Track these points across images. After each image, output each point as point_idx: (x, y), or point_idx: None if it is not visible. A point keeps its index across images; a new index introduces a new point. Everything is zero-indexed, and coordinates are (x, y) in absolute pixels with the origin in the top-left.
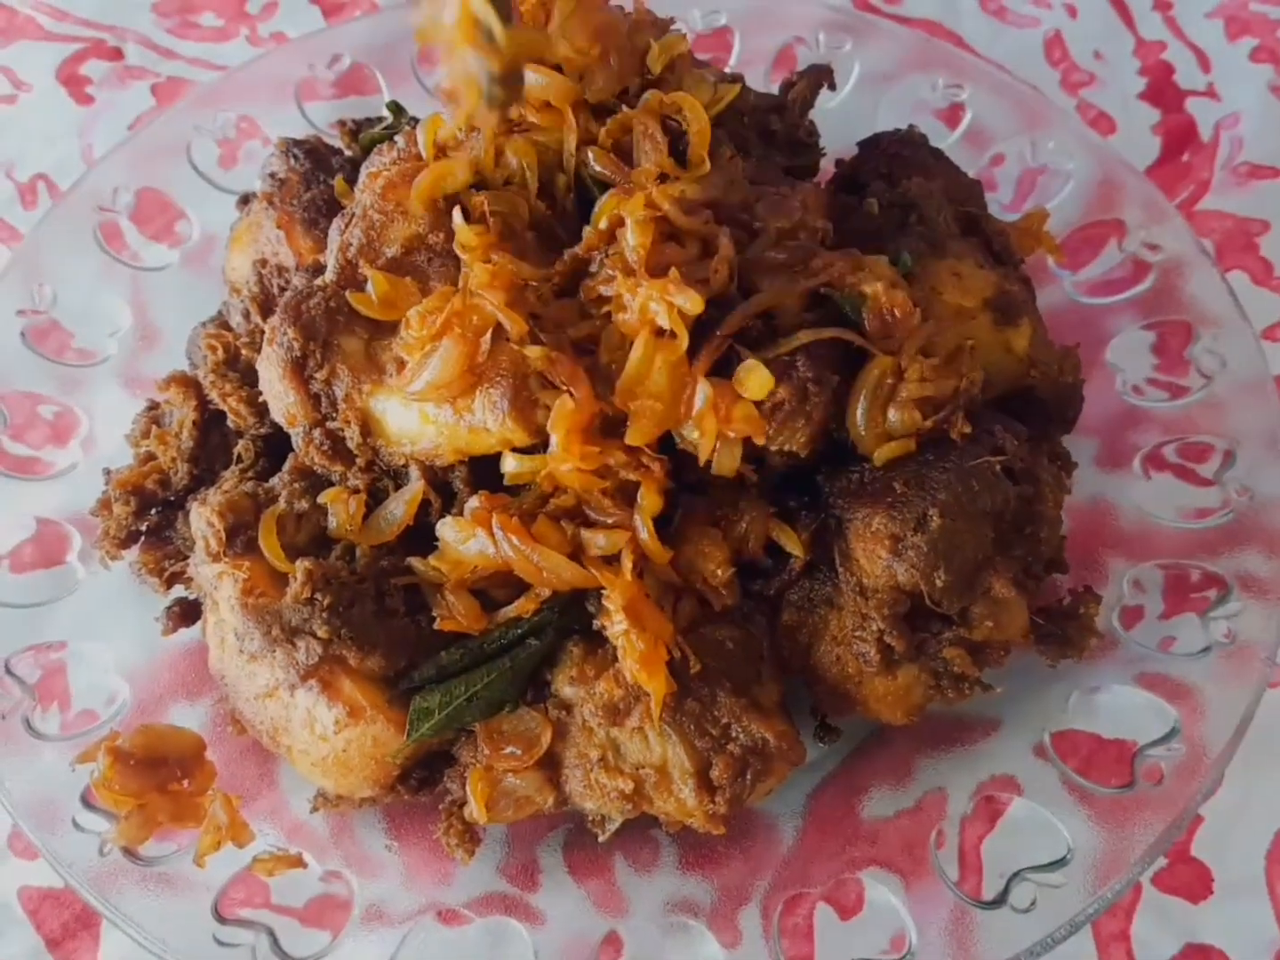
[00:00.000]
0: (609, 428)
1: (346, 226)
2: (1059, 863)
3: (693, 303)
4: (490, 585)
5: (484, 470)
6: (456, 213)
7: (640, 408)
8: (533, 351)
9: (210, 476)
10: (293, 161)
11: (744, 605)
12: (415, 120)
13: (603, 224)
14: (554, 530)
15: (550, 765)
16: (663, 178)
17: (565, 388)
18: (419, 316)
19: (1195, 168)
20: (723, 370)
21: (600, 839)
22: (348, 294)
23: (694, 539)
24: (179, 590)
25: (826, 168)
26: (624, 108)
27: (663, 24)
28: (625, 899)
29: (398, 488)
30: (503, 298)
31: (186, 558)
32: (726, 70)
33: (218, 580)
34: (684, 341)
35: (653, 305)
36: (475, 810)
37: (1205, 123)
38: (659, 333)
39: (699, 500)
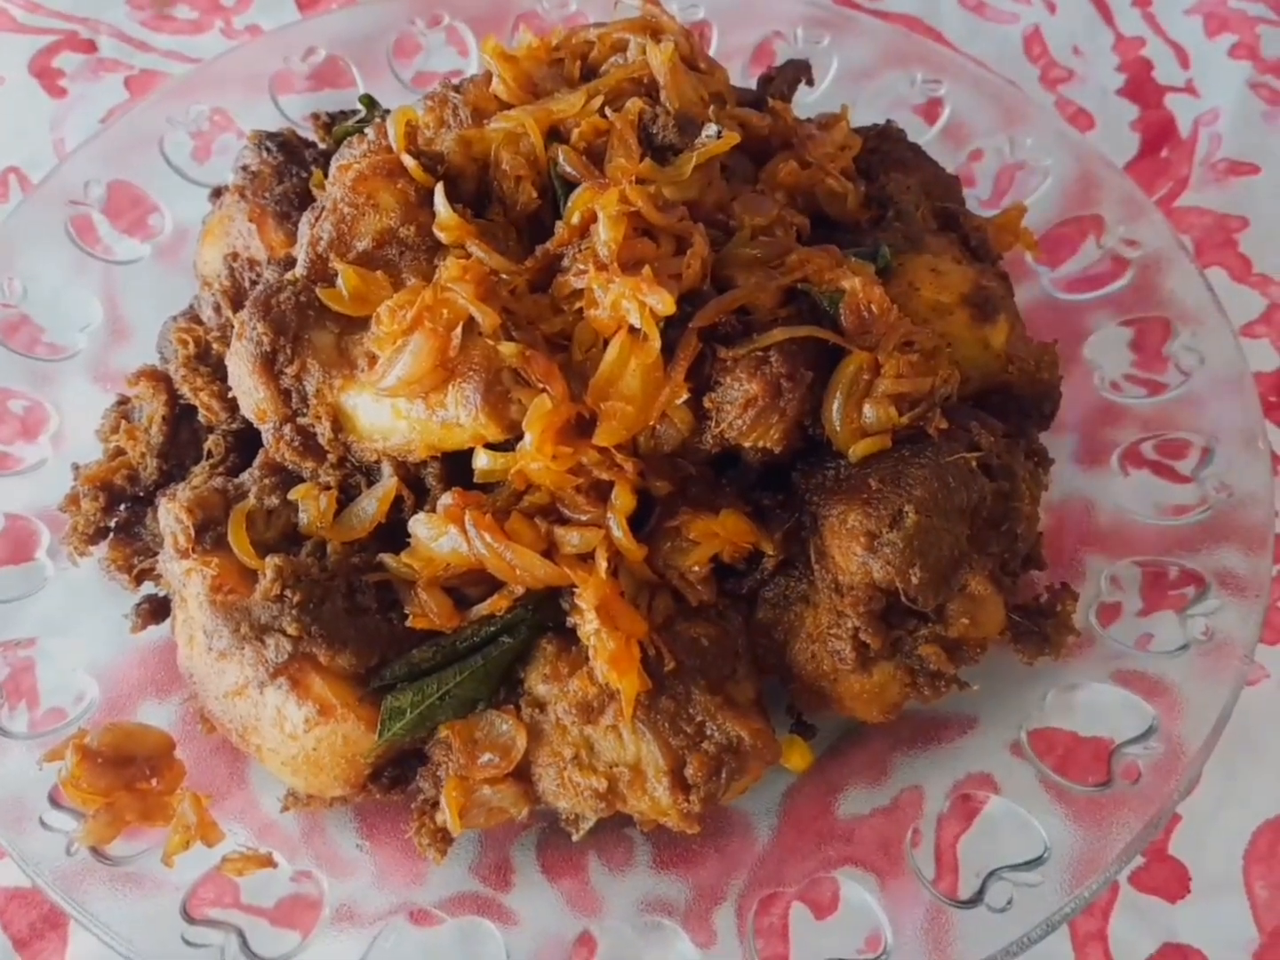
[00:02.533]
0: (582, 426)
1: (316, 220)
2: (1036, 861)
3: (665, 303)
4: (463, 583)
5: (457, 467)
6: (439, 196)
7: (610, 409)
8: (508, 348)
9: (180, 472)
10: (265, 154)
11: (720, 603)
12: (389, 113)
13: (575, 218)
14: (528, 528)
15: (526, 778)
16: (640, 181)
17: (541, 386)
18: (389, 311)
19: (1174, 164)
20: (697, 371)
21: (574, 838)
22: (318, 289)
23: (670, 535)
24: (148, 587)
25: None
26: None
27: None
28: (599, 898)
29: (370, 484)
30: (473, 290)
31: (156, 554)
32: (702, 65)
33: (186, 577)
34: (656, 344)
35: (625, 304)
36: (449, 820)
37: (1184, 119)
38: (632, 331)
39: (676, 497)
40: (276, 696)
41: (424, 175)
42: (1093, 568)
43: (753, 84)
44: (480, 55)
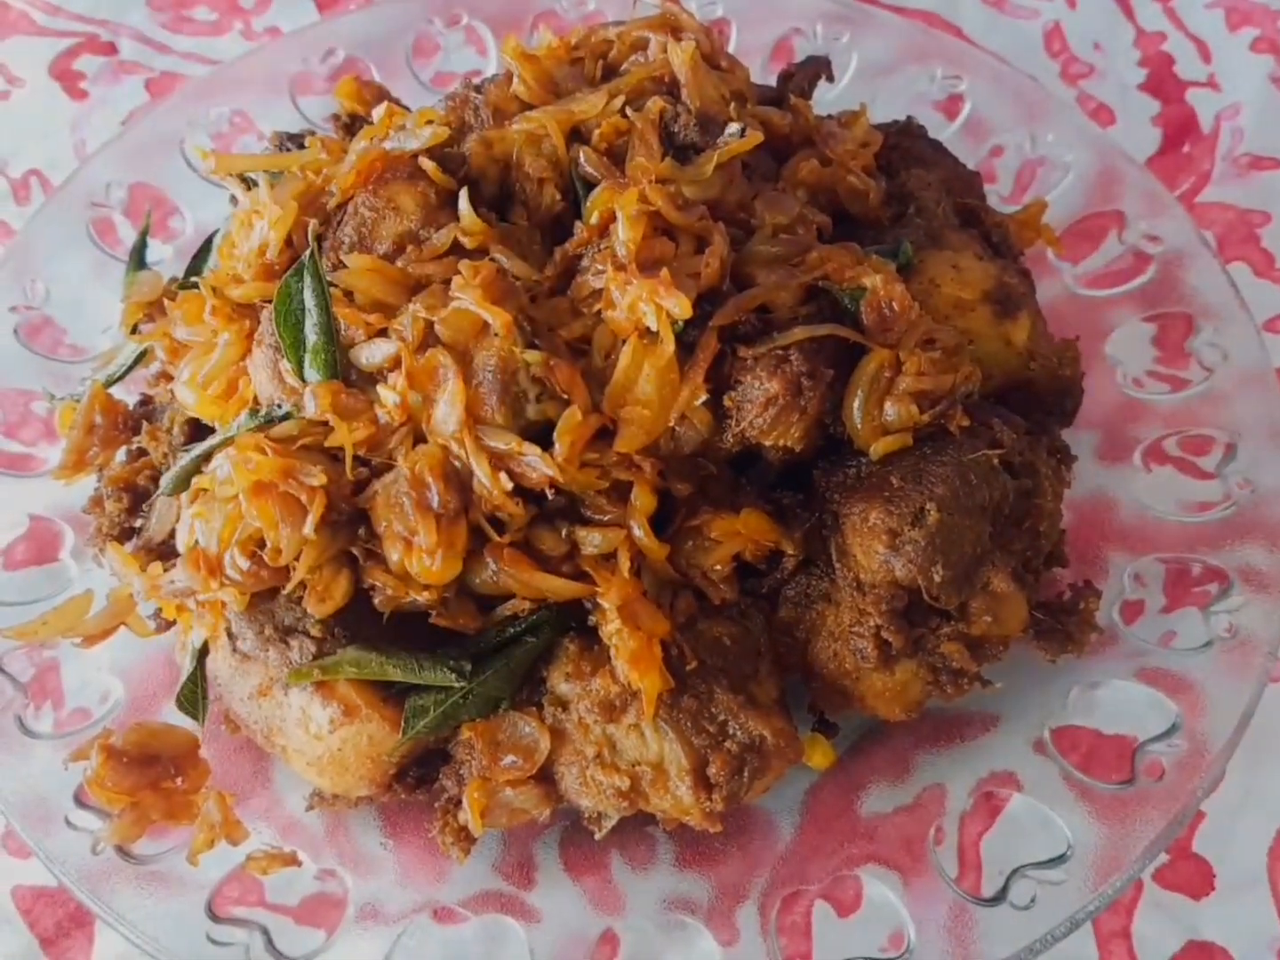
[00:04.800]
0: (603, 431)
1: (337, 224)
2: (1059, 859)
3: (682, 307)
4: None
5: None
6: (463, 201)
7: (629, 415)
8: (532, 356)
9: None
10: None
11: (742, 602)
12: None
13: (594, 218)
14: (548, 532)
15: (549, 778)
16: (660, 181)
17: (564, 395)
18: (397, 332)
19: (1196, 159)
20: (717, 371)
21: (596, 836)
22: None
23: (692, 534)
24: None
25: None
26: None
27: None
28: (622, 896)
29: None
30: (481, 294)
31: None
32: (723, 63)
33: None
34: (669, 347)
35: (642, 306)
36: (471, 821)
37: (1206, 114)
38: (647, 333)
39: (697, 497)
40: (301, 697)
41: (443, 177)
42: (1115, 565)
43: (772, 81)
44: (500, 55)
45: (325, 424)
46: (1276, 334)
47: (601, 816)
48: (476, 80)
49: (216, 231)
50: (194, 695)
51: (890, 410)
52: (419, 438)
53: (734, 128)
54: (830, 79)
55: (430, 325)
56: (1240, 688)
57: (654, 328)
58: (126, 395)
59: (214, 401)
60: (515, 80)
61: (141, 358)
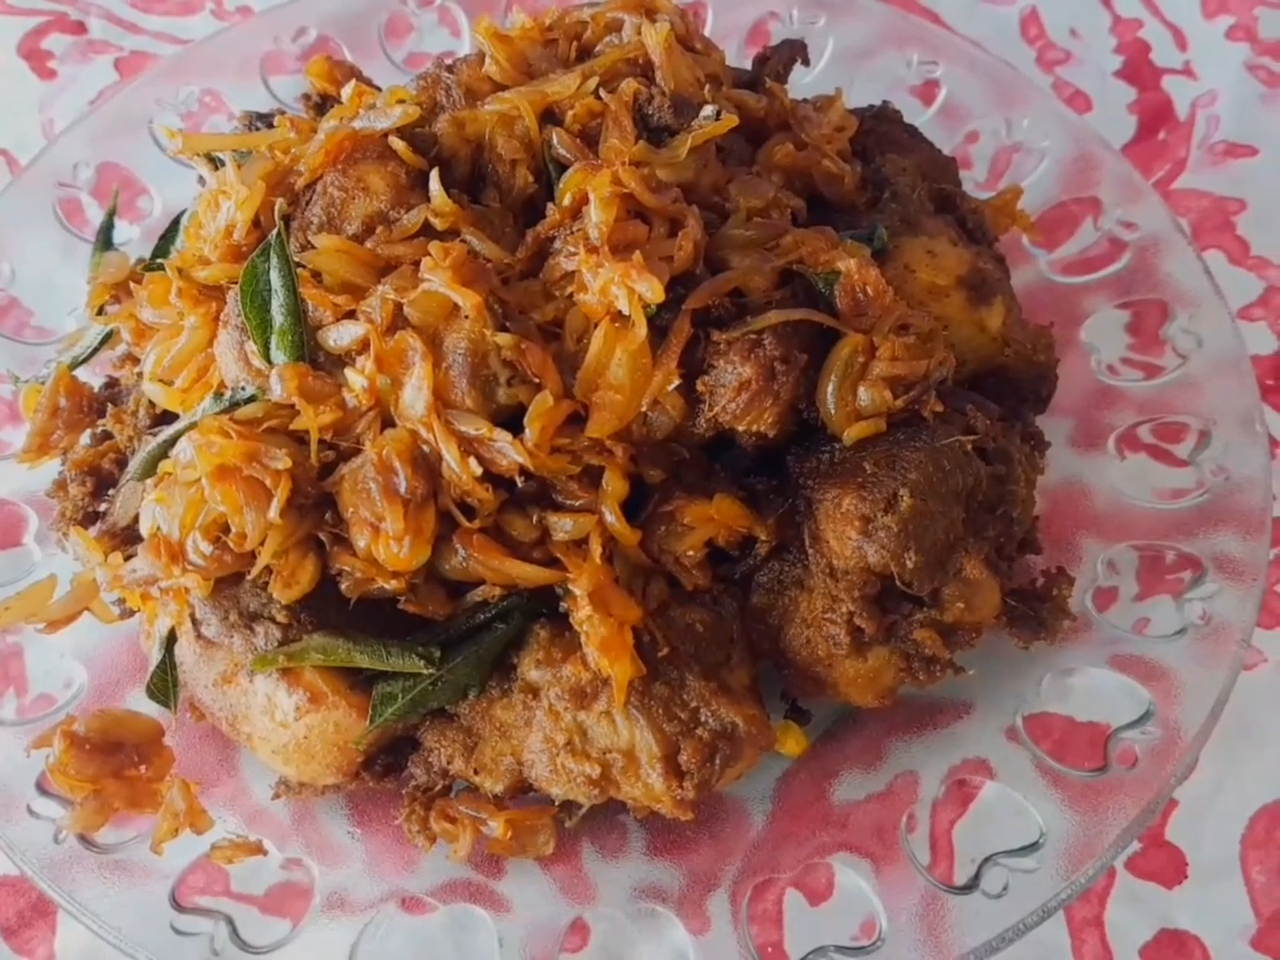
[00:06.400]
0: (575, 415)
1: (305, 204)
2: (1031, 847)
3: (654, 290)
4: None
5: None
6: (434, 182)
7: (601, 399)
8: (503, 339)
9: None
10: None
11: (714, 588)
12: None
13: (567, 200)
14: (519, 518)
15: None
16: (634, 164)
17: (536, 379)
18: (365, 315)
19: (1172, 146)
20: (690, 355)
21: (567, 824)
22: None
23: (665, 520)
24: None
25: None
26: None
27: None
28: (592, 885)
29: None
30: (451, 275)
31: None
32: (698, 45)
33: None
34: (642, 331)
35: (614, 290)
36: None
37: (1182, 101)
38: (619, 316)
39: (670, 482)
40: (266, 684)
41: (414, 157)
42: (1089, 552)
43: (747, 65)
44: (473, 36)
45: (291, 407)
46: (1250, 321)
47: (572, 805)
48: (449, 61)
49: (184, 212)
50: (164, 683)
51: (864, 395)
52: (387, 422)
53: (709, 110)
54: (806, 63)
55: (399, 307)
56: (1214, 675)
57: (626, 311)
58: (92, 378)
59: (181, 394)
60: (488, 60)
61: (107, 340)
